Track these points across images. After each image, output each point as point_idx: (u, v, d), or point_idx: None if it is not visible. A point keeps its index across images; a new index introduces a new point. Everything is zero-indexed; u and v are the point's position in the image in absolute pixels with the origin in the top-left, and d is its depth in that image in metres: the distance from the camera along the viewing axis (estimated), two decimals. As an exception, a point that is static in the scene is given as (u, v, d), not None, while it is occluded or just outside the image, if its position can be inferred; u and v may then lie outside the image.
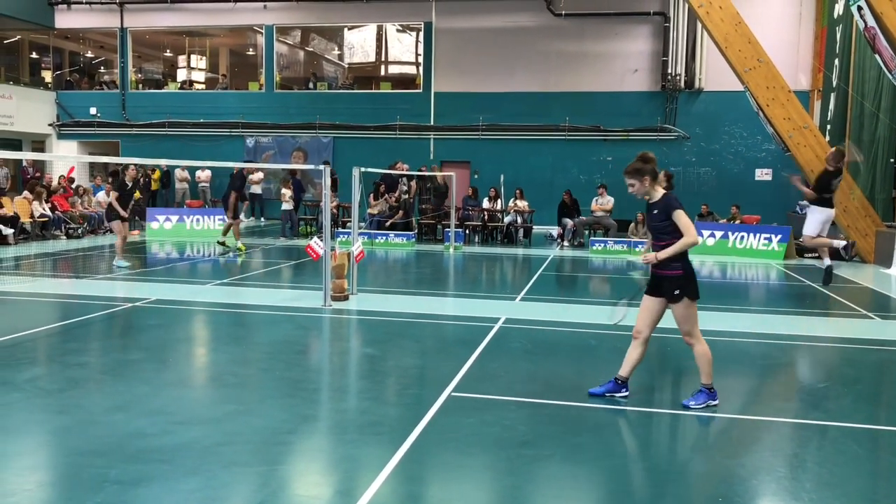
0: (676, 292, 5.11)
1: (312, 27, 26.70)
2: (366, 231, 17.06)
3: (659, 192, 5.23)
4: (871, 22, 8.64)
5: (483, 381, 5.83)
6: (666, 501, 3.78)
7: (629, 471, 4.18)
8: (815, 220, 10.82)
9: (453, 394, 5.43)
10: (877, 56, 9.49)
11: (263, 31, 24.94)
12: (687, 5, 19.25)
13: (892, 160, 15.68)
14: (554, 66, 22.79)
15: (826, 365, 7.08)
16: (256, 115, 24.58)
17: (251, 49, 27.29)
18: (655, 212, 5.19)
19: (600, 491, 3.97)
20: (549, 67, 22.80)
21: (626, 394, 5.41)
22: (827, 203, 10.79)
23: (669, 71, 22.06)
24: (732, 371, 6.55)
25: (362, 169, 10.35)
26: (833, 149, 11.44)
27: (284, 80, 26.04)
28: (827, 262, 11.30)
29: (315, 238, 9.32)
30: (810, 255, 15.77)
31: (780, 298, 11.26)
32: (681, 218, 5.05)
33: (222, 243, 15.04)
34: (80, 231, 17.46)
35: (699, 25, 19.90)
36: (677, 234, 5.06)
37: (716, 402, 5.26)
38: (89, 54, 29.36)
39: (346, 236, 15.22)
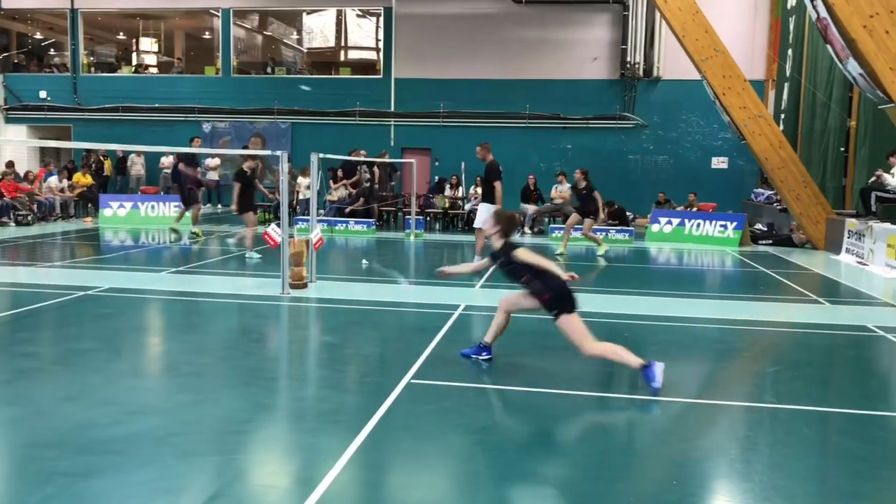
0: (555, 312, 5.48)
1: (270, 11, 26.28)
2: (325, 218, 16.91)
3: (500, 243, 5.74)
4: (824, 13, 8.80)
5: (442, 368, 5.83)
6: (621, 485, 3.82)
7: (586, 455, 4.22)
8: None
9: (412, 381, 5.42)
10: (828, 47, 9.68)
11: (220, 15, 24.47)
12: (646, -6, 19.43)
13: (842, 149, 16.07)
14: (515, 53, 22.82)
15: (777, 349, 7.25)
16: (213, 100, 24.15)
17: (208, 33, 26.75)
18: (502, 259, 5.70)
19: (558, 475, 4.00)
20: (510, 54, 22.82)
21: (487, 357, 5.90)
22: None
23: (628, 59, 22.25)
24: (688, 356, 6.66)
25: (321, 155, 10.24)
26: None
27: (242, 65, 25.63)
28: None
29: (273, 225, 9.19)
30: (763, 241, 16.13)
31: (734, 284, 11.48)
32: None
33: (175, 230, 14.72)
34: (29, 218, 16.99)
35: (657, 14, 20.10)
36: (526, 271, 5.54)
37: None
38: (38, 35, 28.48)
39: (304, 223, 15.07)
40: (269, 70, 25.32)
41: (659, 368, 5.23)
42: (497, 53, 22.87)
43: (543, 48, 22.78)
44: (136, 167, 23.45)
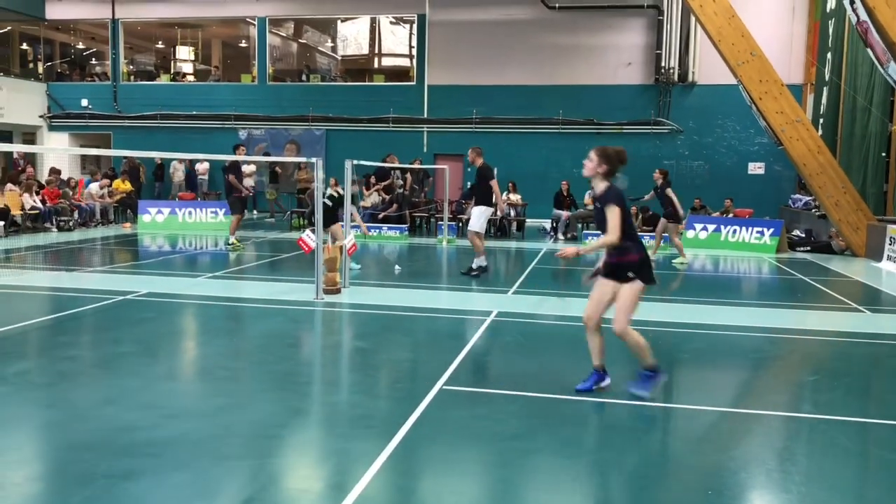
0: (630, 274, 5.14)
1: (305, 19, 26.58)
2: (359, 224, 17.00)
3: (602, 185, 5.27)
4: (864, 16, 8.64)
5: (474, 374, 5.84)
6: (656, 493, 3.79)
7: (619, 464, 4.19)
8: None
9: (444, 387, 5.43)
10: (869, 50, 9.50)
11: (256, 23, 24.81)
12: (680, -2, 19.25)
13: (883, 154, 15.73)
14: (547, 58, 22.76)
15: (816, 358, 7.11)
16: (249, 107, 24.48)
17: (244, 41, 27.15)
18: (598, 204, 5.28)
19: (591, 484, 3.98)
20: (543, 60, 22.76)
21: (608, 381, 5.42)
22: None
23: (663, 64, 22.05)
24: (724, 364, 6.58)
25: (354, 162, 10.32)
26: None
27: (277, 73, 25.93)
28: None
29: (307, 231, 9.29)
30: (801, 248, 15.84)
31: (771, 292, 11.29)
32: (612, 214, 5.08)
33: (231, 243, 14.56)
34: (70, 224, 17.38)
35: (693, 18, 19.88)
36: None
37: (661, 379, 5.28)
38: (80, 45, 29.16)
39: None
40: (303, 77, 25.59)
41: (659, 381, 5.23)
42: (529, 59, 22.83)
43: (576, 53, 22.69)
44: (178, 174, 23.86)
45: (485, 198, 11.14)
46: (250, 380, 5.68)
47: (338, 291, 9.23)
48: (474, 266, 11.11)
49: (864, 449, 4.63)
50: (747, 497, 3.85)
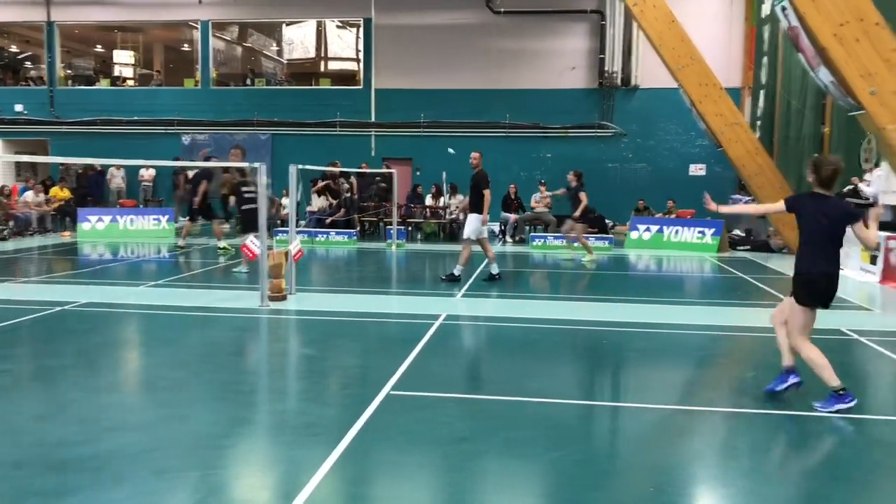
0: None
1: (250, 22, 26.24)
2: (304, 229, 16.86)
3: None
4: (795, 21, 8.93)
5: (422, 378, 5.82)
6: (600, 493, 3.83)
7: (565, 464, 4.22)
8: None
9: (392, 392, 5.40)
10: (800, 55, 9.82)
11: (199, 27, 24.39)
12: (623, 4, 19.59)
13: (816, 155, 16.24)
14: (494, 63, 22.92)
15: (756, 354, 7.30)
16: (193, 112, 24.02)
17: (187, 45, 26.65)
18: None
19: (538, 484, 4.00)
20: (489, 64, 22.92)
21: (798, 380, 5.33)
22: None
23: (606, 68, 22.41)
24: (668, 363, 6.70)
25: (299, 166, 10.22)
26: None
27: (221, 77, 25.51)
28: None
29: (251, 237, 9.15)
30: (741, 247, 16.27)
31: (713, 290, 11.56)
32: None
33: (224, 248, 14.34)
34: (5, 233, 16.79)
35: (635, 23, 20.27)
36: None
37: (849, 405, 5.01)
38: (14, 49, 28.23)
39: (284, 234, 15.01)
40: (248, 82, 25.25)
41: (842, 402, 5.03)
42: (477, 63, 22.96)
43: (522, 58, 22.91)
44: (116, 180, 23.25)
45: (480, 206, 11.07)
46: (192, 390, 5.56)
47: (284, 298, 9.12)
48: (455, 272, 11.06)
49: (802, 441, 4.76)
50: (690, 493, 3.93)
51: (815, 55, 8.97)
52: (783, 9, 9.03)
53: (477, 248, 11.36)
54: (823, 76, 9.09)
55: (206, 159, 21.12)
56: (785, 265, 13.67)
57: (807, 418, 5.10)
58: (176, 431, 4.56)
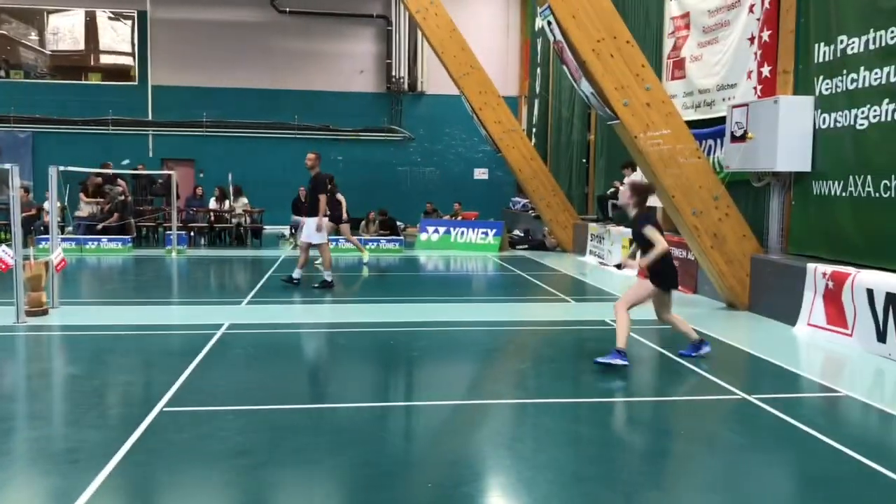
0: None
1: (5, 8, 23.56)
2: (71, 237, 15.45)
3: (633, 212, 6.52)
4: (559, 36, 9.64)
5: (199, 392, 5.56)
6: (382, 494, 3.88)
7: (348, 467, 4.23)
8: None
9: (165, 409, 5.10)
10: (565, 67, 10.63)
11: (-62, 9, 21.50)
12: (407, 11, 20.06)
13: (584, 160, 17.72)
14: (281, 63, 22.48)
15: (529, 347, 7.80)
16: (-68, 105, 21.14)
17: (-77, 28, 23.35)
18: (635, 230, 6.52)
19: (319, 490, 3.97)
20: (276, 64, 22.44)
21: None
22: None
23: (394, 73, 22.84)
24: (449, 359, 6.95)
25: (61, 168, 9.36)
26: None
27: (-31, 66, 22.68)
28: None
29: (3, 246, 8.21)
30: (521, 246, 17.33)
31: (493, 288, 12.21)
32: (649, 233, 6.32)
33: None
34: None
35: (419, 31, 20.84)
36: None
37: (624, 363, 6.21)
38: None
39: (44, 243, 13.63)
40: (3, 73, 22.67)
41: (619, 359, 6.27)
42: (263, 63, 22.37)
43: (311, 59, 22.68)
44: None
45: (317, 208, 10.68)
46: (-74, 423, 4.87)
47: (44, 313, 8.29)
48: (327, 279, 10.83)
49: (564, 427, 5.14)
50: (461, 487, 4.09)
51: (577, 68, 9.73)
52: (549, 23, 9.71)
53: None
54: (585, 88, 9.89)
55: None
56: (558, 262, 14.75)
57: (568, 405, 5.53)
58: None
